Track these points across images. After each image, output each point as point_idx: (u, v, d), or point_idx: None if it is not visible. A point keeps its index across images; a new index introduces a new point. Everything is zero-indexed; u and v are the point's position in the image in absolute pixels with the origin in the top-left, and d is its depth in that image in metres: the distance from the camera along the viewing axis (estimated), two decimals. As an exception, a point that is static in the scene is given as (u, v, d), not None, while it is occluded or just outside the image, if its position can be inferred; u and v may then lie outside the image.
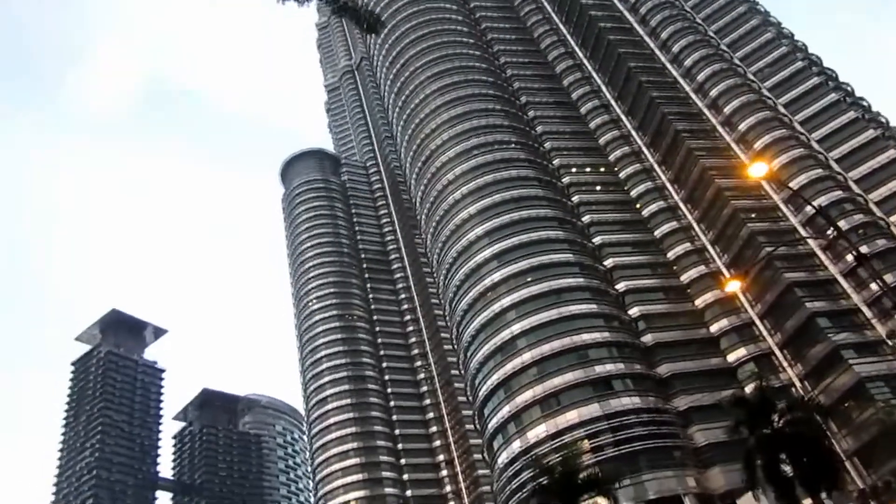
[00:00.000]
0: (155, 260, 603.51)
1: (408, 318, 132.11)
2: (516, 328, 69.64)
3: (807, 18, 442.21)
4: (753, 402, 40.38)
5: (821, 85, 79.40)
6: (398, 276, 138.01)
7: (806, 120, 77.54)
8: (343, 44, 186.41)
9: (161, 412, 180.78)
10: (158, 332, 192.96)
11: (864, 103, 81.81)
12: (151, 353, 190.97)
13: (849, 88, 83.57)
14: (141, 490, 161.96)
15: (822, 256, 67.68)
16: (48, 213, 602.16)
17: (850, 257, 65.92)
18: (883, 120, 79.49)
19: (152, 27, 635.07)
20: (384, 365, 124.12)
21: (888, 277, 62.64)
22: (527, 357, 67.53)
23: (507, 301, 71.47)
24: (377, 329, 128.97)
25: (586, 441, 57.96)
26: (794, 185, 71.50)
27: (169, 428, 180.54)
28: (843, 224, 64.83)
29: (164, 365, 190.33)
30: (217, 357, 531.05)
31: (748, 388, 65.19)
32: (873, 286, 63.53)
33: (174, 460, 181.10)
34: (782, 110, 78.77)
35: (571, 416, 62.39)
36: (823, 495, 38.64)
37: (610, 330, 68.84)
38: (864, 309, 63.38)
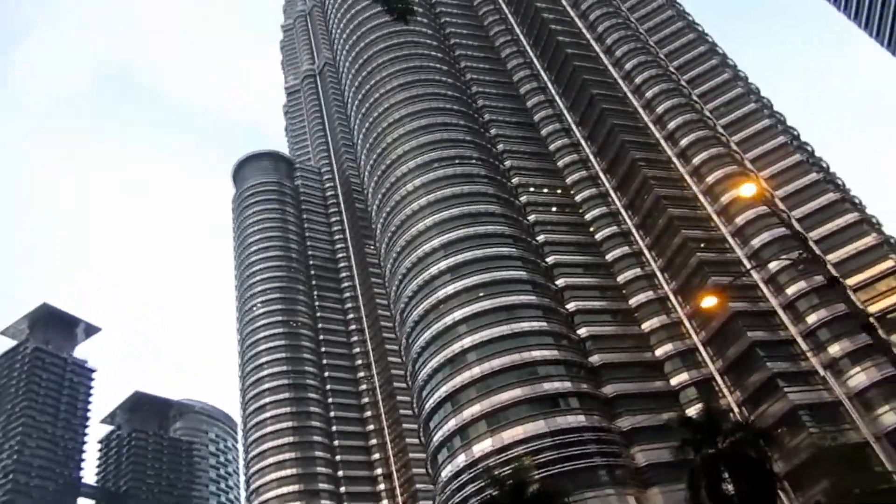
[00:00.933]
0: (93, 254, 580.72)
1: (353, 327, 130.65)
2: (467, 342, 69.73)
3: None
4: (700, 423, 41.35)
5: (771, 127, 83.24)
6: (346, 284, 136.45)
7: (756, 159, 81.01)
8: (307, 47, 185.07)
9: (88, 414, 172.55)
10: (91, 330, 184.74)
11: (809, 148, 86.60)
12: (82, 351, 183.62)
13: (795, 132, 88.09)
14: (62, 496, 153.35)
15: (764, 289, 70.38)
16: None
17: (789, 291, 69.24)
18: (824, 164, 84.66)
19: (109, 13, 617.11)
20: (326, 374, 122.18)
21: (822, 312, 66.39)
22: (476, 371, 67.60)
23: (458, 314, 71.55)
24: (321, 338, 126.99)
25: (531, 457, 58.06)
26: (740, 220, 74.85)
27: (96, 431, 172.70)
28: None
29: (95, 365, 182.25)
30: (151, 359, 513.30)
31: (690, 412, 67.27)
32: (809, 319, 66.84)
33: (99, 466, 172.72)
34: (734, 147, 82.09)
35: (517, 432, 62.62)
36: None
37: (559, 348, 69.68)
38: (800, 340, 66.28)
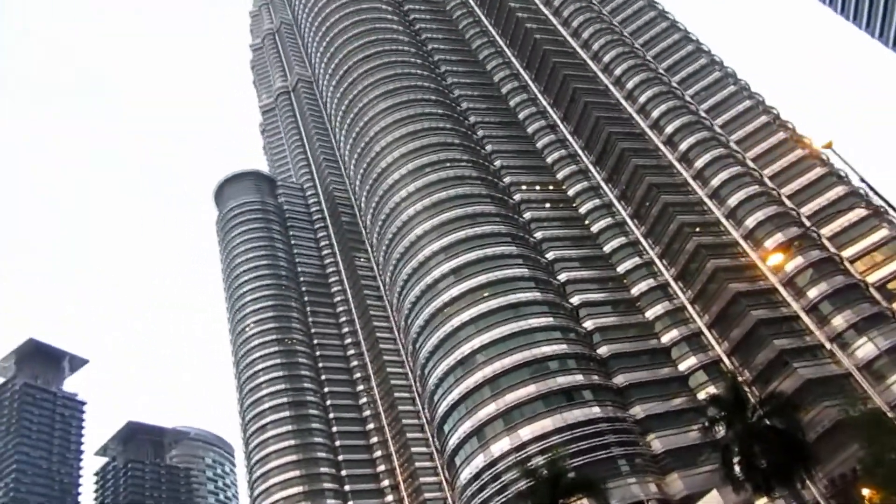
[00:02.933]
0: (76, 286, 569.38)
1: (349, 341, 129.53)
2: (476, 342, 69.64)
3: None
4: (726, 400, 41.74)
5: (752, 108, 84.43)
6: (338, 298, 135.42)
7: (741, 140, 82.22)
8: (278, 65, 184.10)
9: (82, 447, 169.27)
10: (79, 363, 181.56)
11: (791, 125, 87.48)
12: (71, 384, 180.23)
13: (775, 111, 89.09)
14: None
15: (763, 268, 71.24)
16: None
17: (787, 268, 70.16)
18: (825, 157, 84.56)
19: (87, 24, 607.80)
20: (326, 390, 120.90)
21: (823, 285, 67.36)
22: (487, 371, 67.53)
23: (465, 316, 71.49)
24: (318, 353, 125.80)
25: (551, 451, 57.96)
26: (732, 201, 75.73)
27: (91, 464, 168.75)
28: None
29: (86, 397, 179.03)
30: (142, 388, 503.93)
31: (700, 395, 67.96)
32: (810, 294, 67.78)
33: (96, 499, 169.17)
34: (718, 129, 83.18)
35: (535, 428, 62.67)
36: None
37: (567, 342, 69.87)
38: (803, 315, 67.12)
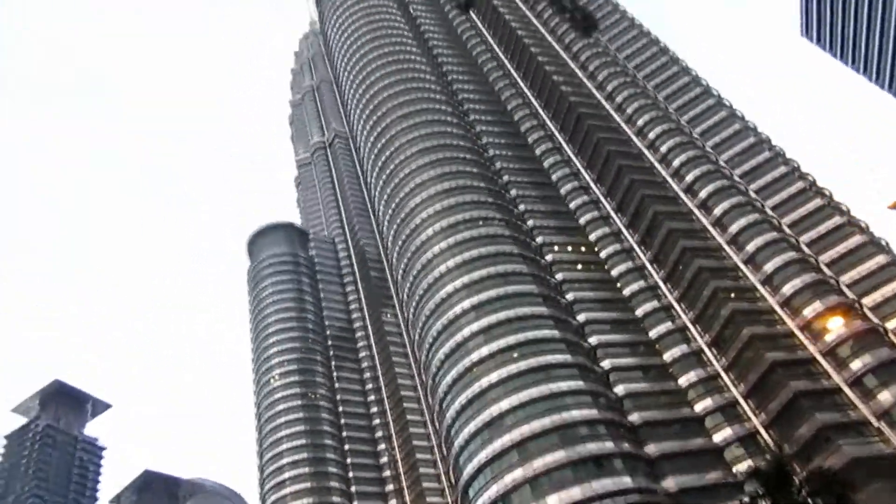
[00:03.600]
0: (103, 331, 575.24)
1: (372, 398, 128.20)
2: (504, 405, 67.92)
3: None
4: (769, 475, 39.70)
5: (788, 174, 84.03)
6: (363, 354, 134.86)
7: (776, 206, 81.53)
8: (316, 120, 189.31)
9: (98, 494, 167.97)
10: (102, 407, 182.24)
11: (827, 192, 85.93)
12: (93, 428, 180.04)
13: (811, 178, 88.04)
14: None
15: (801, 337, 69.03)
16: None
17: (828, 338, 67.84)
18: (844, 208, 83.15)
19: (87, 24, 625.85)
20: (346, 447, 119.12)
21: (867, 358, 64.75)
22: (515, 434, 65.53)
23: (494, 377, 70.04)
24: (340, 409, 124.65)
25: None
26: (769, 267, 74.02)
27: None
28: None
29: (106, 442, 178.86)
30: (161, 436, 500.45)
31: (737, 468, 65.04)
32: (853, 366, 65.19)
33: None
34: (753, 195, 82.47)
35: (562, 497, 60.19)
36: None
37: (598, 408, 67.82)
38: (846, 389, 64.41)
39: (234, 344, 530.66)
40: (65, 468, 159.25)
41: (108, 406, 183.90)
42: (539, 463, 62.61)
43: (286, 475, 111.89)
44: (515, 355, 71.30)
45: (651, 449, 66.63)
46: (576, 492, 60.32)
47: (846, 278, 72.94)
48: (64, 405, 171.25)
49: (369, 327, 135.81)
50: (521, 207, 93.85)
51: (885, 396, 60.83)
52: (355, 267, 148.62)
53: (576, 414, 65.83)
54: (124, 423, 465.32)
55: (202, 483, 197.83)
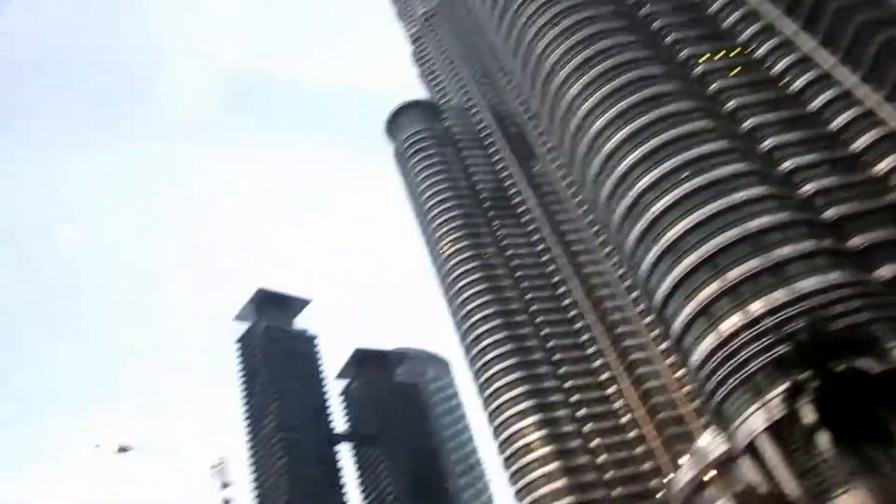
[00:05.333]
0: (282, 237, 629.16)
1: (540, 247, 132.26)
2: (683, 224, 68.42)
3: None
4: None
5: None
6: (522, 209, 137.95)
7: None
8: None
9: (322, 374, 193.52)
10: (302, 304, 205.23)
11: None
12: (300, 322, 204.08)
13: None
14: (321, 445, 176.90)
15: None
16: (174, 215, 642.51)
17: None
18: None
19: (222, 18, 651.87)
20: (528, 296, 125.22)
21: None
22: (702, 251, 66.29)
23: (668, 198, 70.25)
24: (513, 263, 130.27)
25: (799, 318, 56.16)
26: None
27: (333, 387, 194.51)
28: None
29: (314, 332, 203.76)
30: (355, 317, 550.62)
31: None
32: None
33: (346, 415, 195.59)
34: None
35: (766, 302, 60.87)
36: None
37: (787, 209, 66.31)
38: None
39: (396, 219, 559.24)
40: (289, 358, 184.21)
41: (307, 302, 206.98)
42: (734, 273, 63.35)
43: (484, 340, 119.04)
44: (687, 173, 70.63)
45: (856, 241, 64.37)
46: (779, 295, 60.75)
47: None
48: (272, 308, 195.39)
49: (524, 181, 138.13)
50: (658, 23, 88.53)
51: None
52: (494, 127, 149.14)
53: (764, 220, 65.03)
54: (325, 314, 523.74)
55: (406, 351, 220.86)
